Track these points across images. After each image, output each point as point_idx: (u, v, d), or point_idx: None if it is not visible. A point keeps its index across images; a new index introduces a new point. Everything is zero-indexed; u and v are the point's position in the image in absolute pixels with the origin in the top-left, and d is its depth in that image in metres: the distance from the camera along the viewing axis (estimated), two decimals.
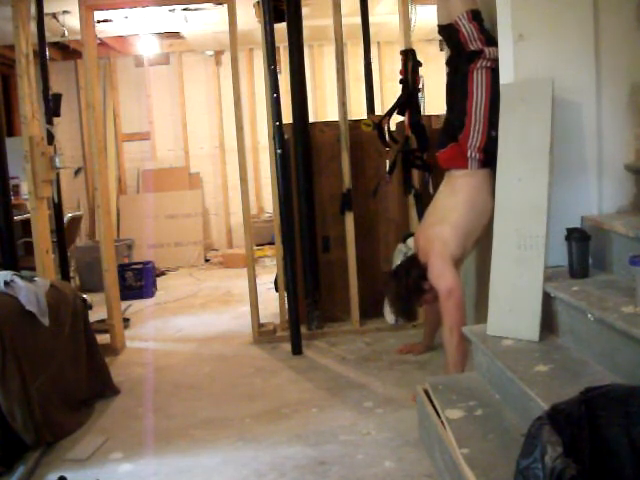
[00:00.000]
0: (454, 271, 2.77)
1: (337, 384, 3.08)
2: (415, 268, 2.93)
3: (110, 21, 5.34)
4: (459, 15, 2.77)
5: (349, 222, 3.83)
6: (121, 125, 7.27)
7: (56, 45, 6.17)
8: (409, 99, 3.35)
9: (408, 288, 2.94)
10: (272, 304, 4.32)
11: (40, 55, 3.85)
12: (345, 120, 3.81)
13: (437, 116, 3.80)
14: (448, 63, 2.96)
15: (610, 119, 2.53)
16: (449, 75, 2.97)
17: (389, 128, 3.45)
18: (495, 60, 2.71)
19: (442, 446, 2.02)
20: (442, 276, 2.76)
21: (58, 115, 4.20)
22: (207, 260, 6.97)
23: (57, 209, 4.04)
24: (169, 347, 3.94)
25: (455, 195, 2.84)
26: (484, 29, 2.77)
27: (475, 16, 2.77)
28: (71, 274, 4.82)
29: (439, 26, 2.94)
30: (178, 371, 3.47)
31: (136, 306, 5.03)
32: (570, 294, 2.13)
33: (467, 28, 2.76)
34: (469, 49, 2.76)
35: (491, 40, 2.75)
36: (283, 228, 3.66)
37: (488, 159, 2.73)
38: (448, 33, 2.87)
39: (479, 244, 3.00)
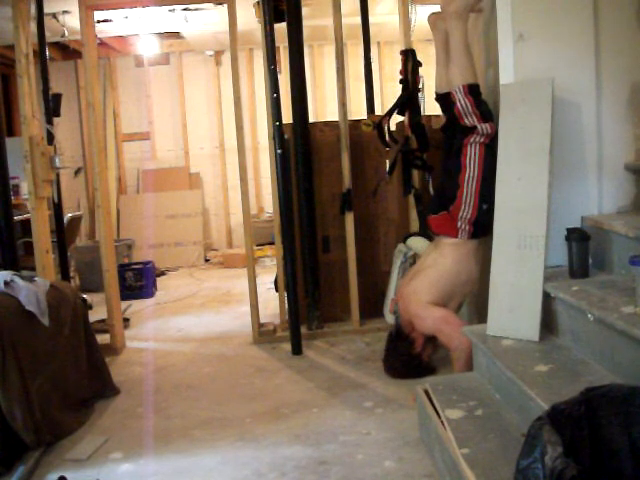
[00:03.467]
0: (436, 306, 2.83)
1: (337, 384, 3.08)
2: (401, 340, 3.00)
3: (110, 21, 5.34)
4: (456, 88, 2.75)
5: (349, 222, 3.83)
6: (121, 125, 7.27)
7: (56, 45, 6.17)
8: (409, 99, 3.35)
9: (404, 361, 3.01)
10: (272, 304, 4.32)
11: (40, 55, 3.85)
12: (345, 120, 3.81)
13: (437, 116, 3.80)
14: (443, 130, 2.97)
15: (610, 119, 2.53)
16: (445, 143, 2.97)
17: (389, 128, 3.45)
18: (489, 136, 2.70)
19: (442, 446, 2.02)
20: (428, 317, 2.83)
21: (58, 115, 4.20)
22: (207, 260, 6.97)
23: (57, 209, 4.03)
24: (169, 347, 3.94)
25: (441, 260, 2.87)
26: (481, 103, 2.74)
27: (472, 90, 2.73)
28: (71, 274, 4.82)
29: (436, 94, 2.94)
30: (178, 371, 3.47)
31: (136, 306, 5.03)
32: (570, 294, 2.13)
33: (462, 102, 2.72)
34: (464, 123, 2.74)
35: (487, 115, 2.73)
36: (283, 228, 3.66)
37: (477, 231, 2.76)
38: (445, 102, 2.86)
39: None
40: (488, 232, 2.66)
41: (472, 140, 2.72)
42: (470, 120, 2.72)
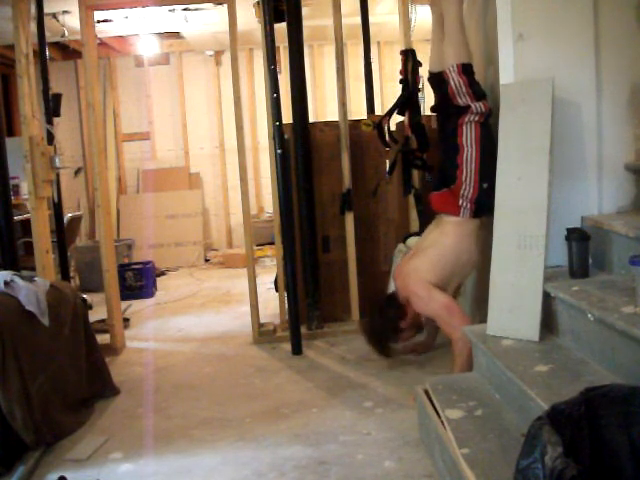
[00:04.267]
0: (441, 291, 2.80)
1: (337, 384, 3.08)
2: (392, 307, 2.96)
3: (110, 21, 5.34)
4: (449, 67, 2.76)
5: (349, 222, 3.83)
6: (121, 125, 7.27)
7: (56, 45, 6.17)
8: (409, 99, 3.35)
9: (383, 327, 2.97)
10: (272, 304, 4.32)
11: (40, 55, 3.85)
12: (345, 120, 3.81)
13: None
14: (434, 110, 2.96)
15: (610, 119, 2.53)
16: (439, 124, 2.97)
17: (389, 128, 3.45)
18: (483, 114, 2.71)
19: (442, 446, 2.02)
20: (431, 300, 2.79)
21: (58, 115, 4.20)
22: (207, 260, 6.97)
23: (57, 209, 4.03)
24: (169, 347, 3.94)
25: (442, 239, 2.86)
26: (473, 83, 2.75)
27: (465, 69, 2.74)
28: (71, 274, 4.82)
29: (430, 73, 2.93)
30: (178, 371, 3.47)
31: (136, 306, 5.03)
32: (570, 294, 2.13)
33: (456, 81, 2.73)
34: (457, 103, 2.75)
35: (480, 94, 2.74)
36: (283, 228, 3.66)
37: (479, 210, 2.75)
38: (438, 81, 2.85)
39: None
40: (489, 211, 2.68)
41: (467, 120, 2.73)
42: (463, 99, 2.73)
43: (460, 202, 2.76)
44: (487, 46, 2.96)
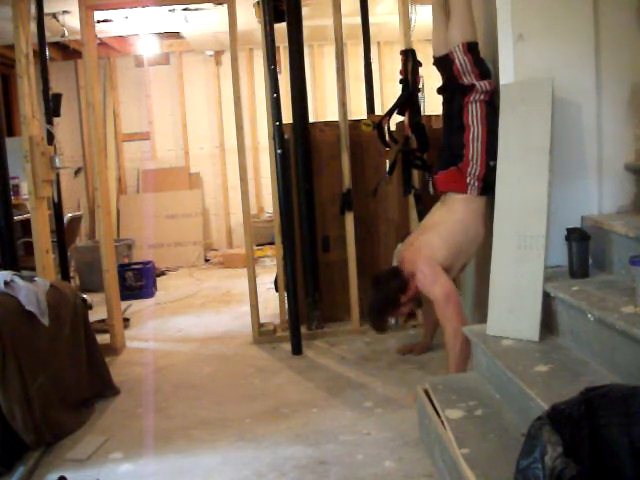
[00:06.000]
0: (447, 276, 2.77)
1: (337, 384, 3.08)
2: (395, 280, 2.94)
3: (110, 21, 5.34)
4: (454, 46, 2.76)
5: (349, 222, 3.83)
6: (121, 125, 7.27)
7: (56, 45, 6.17)
8: (409, 99, 3.35)
9: (385, 299, 2.94)
10: (272, 304, 4.32)
11: (40, 55, 3.85)
12: (345, 120, 3.81)
13: (437, 116, 3.80)
14: (440, 91, 2.96)
15: (610, 119, 2.53)
16: (444, 104, 2.98)
17: (389, 128, 3.45)
18: (488, 93, 2.72)
19: (442, 446, 2.02)
20: (436, 282, 2.76)
21: (58, 115, 4.19)
22: (207, 260, 6.97)
23: (57, 209, 4.03)
24: (169, 347, 3.94)
25: (451, 214, 2.85)
26: (479, 61, 2.76)
27: (470, 48, 2.75)
28: (71, 274, 4.82)
29: (434, 58, 2.94)
30: (178, 371, 3.47)
31: (136, 306, 5.03)
32: (570, 294, 2.13)
33: (461, 60, 2.74)
34: (462, 82, 2.76)
35: (486, 73, 2.74)
36: (283, 228, 3.66)
37: (487, 187, 2.75)
38: (444, 63, 2.85)
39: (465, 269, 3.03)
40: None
41: (472, 99, 2.73)
42: (468, 78, 2.73)
43: (468, 180, 2.77)
44: (487, 46, 2.96)
